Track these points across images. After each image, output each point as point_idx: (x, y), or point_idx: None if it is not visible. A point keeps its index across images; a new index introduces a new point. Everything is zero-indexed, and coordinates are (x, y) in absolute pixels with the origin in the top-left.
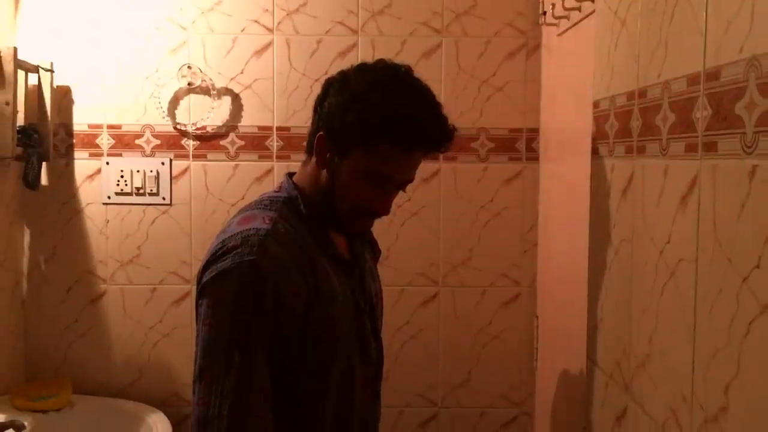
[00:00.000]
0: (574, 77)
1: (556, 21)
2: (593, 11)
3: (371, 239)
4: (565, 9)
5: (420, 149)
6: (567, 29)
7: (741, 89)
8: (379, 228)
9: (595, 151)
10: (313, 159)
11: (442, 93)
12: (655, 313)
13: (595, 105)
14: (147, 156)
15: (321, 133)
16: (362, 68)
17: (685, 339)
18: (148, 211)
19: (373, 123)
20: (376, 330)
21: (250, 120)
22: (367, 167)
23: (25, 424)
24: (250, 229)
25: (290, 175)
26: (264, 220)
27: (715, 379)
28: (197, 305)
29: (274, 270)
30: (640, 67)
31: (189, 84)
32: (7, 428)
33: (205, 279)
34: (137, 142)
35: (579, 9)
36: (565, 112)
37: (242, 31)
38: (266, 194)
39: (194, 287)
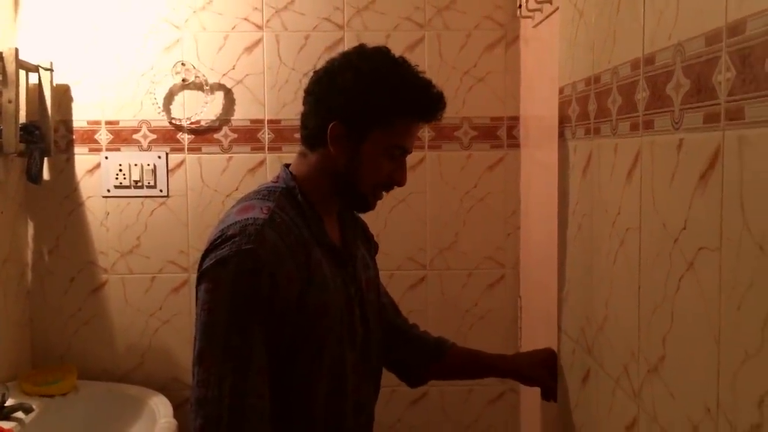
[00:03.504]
0: (548, 67)
1: (530, 13)
2: None
3: (368, 233)
4: (537, 2)
5: (428, 117)
6: (541, 21)
7: (670, 72)
8: (368, 215)
9: (561, 135)
10: (319, 150)
11: None
12: (610, 280)
13: (560, 91)
14: (144, 150)
15: (334, 122)
16: (361, 55)
17: (632, 299)
18: (147, 203)
19: (392, 101)
20: (365, 317)
21: (242, 114)
22: (388, 144)
23: (33, 407)
24: (248, 218)
25: (287, 165)
26: (262, 210)
27: (656, 333)
28: (197, 291)
29: (270, 258)
30: (594, 55)
31: (183, 80)
32: (17, 411)
33: (204, 266)
34: (134, 137)
35: (550, 1)
36: (542, 100)
37: (233, 28)
38: (264, 185)
39: (193, 275)
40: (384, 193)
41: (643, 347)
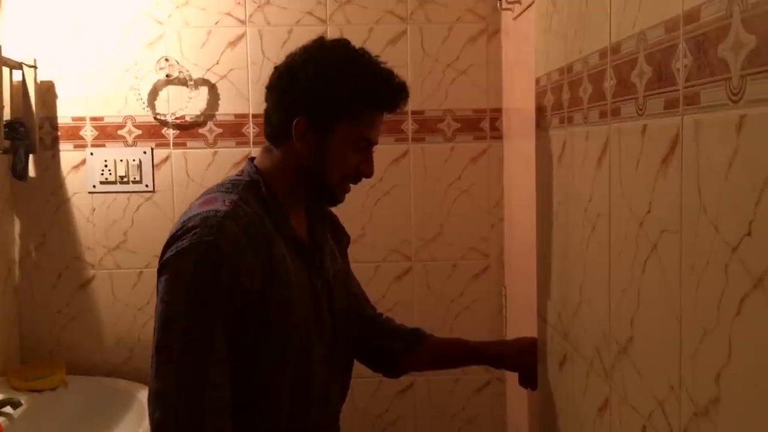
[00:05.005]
0: (528, 58)
1: (510, 6)
2: None
3: (338, 226)
4: None
5: (392, 107)
6: (520, 13)
7: (634, 60)
8: (353, 208)
9: (538, 125)
10: (284, 146)
11: (408, 77)
12: (583, 265)
13: (537, 82)
14: (129, 146)
15: (299, 118)
16: (321, 49)
17: (603, 283)
18: (133, 198)
19: (355, 93)
20: (332, 310)
21: (226, 108)
22: (353, 137)
23: (22, 402)
24: (209, 210)
25: (252, 159)
26: (224, 202)
27: (624, 315)
28: (157, 282)
29: (231, 250)
30: (567, 45)
31: (167, 76)
32: (5, 405)
33: (165, 257)
34: (119, 132)
35: None
36: (523, 92)
37: (216, 23)
38: (228, 178)
39: None
40: (351, 185)
41: (614, 329)
